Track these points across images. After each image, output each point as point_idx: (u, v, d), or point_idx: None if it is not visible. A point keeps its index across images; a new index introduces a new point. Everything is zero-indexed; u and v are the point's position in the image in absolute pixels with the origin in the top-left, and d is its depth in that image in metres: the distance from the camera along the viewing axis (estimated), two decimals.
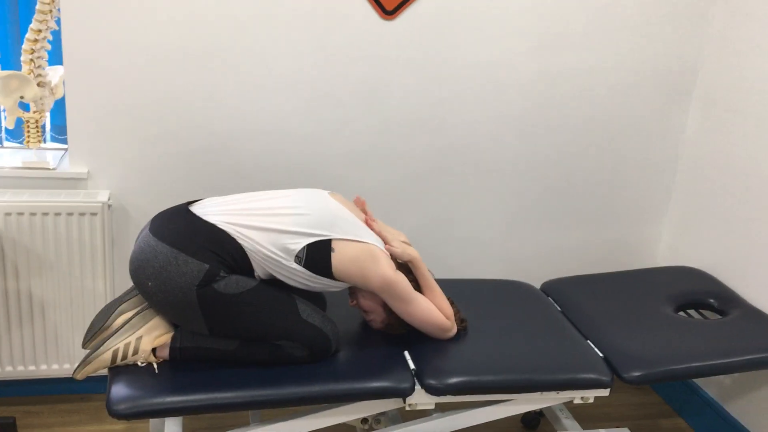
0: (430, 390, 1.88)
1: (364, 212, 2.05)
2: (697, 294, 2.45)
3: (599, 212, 2.86)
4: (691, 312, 2.47)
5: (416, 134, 2.59)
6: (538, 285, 2.90)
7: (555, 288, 2.49)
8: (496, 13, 2.49)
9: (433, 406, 1.95)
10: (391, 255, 1.94)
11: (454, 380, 1.89)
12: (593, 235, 2.89)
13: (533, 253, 2.87)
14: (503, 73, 2.58)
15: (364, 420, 2.12)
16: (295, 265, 1.82)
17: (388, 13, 2.42)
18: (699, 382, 2.72)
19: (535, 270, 2.89)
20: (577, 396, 2.02)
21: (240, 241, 1.79)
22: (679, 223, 2.85)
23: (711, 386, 2.66)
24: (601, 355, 2.08)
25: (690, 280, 2.54)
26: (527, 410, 2.08)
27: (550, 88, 2.63)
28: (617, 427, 2.65)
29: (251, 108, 2.44)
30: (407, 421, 2.06)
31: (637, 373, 1.99)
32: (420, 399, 1.91)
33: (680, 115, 2.78)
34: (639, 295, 2.41)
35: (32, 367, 2.45)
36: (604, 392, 2.01)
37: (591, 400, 2.04)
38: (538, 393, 1.97)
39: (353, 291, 2.03)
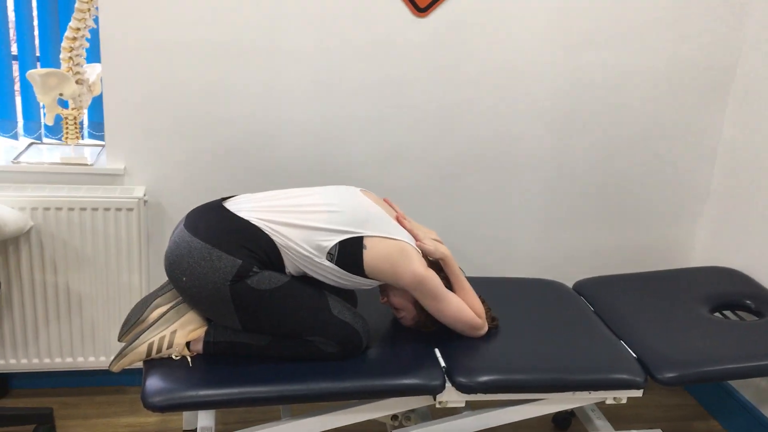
0: (461, 388, 1.88)
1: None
2: (733, 295, 2.41)
3: (633, 212, 2.83)
4: (727, 313, 2.43)
5: (448, 132, 2.59)
6: (570, 284, 2.88)
7: (588, 287, 2.46)
8: (529, 11, 2.48)
9: (463, 404, 1.95)
10: (422, 253, 1.94)
11: (485, 378, 1.88)
12: (627, 235, 2.86)
13: (566, 252, 2.84)
14: (536, 71, 2.56)
15: (394, 417, 2.12)
16: (327, 263, 1.83)
17: (421, 11, 2.41)
18: (735, 384, 2.68)
19: (567, 269, 2.87)
20: (610, 396, 2.00)
21: (273, 237, 1.81)
22: (715, 223, 2.80)
23: (747, 389, 2.62)
24: (634, 355, 2.06)
25: (726, 280, 2.50)
26: (559, 410, 2.07)
27: (583, 87, 2.60)
28: (650, 428, 2.62)
29: (284, 106, 2.46)
30: (437, 419, 2.06)
31: (670, 374, 1.97)
32: (450, 397, 1.91)
33: (717, 114, 2.74)
34: (674, 296, 2.38)
35: (69, 359, 2.49)
36: (637, 393, 1.99)
37: (624, 401, 2.02)
38: (570, 393, 1.95)
39: (384, 288, 2.03)
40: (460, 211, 2.71)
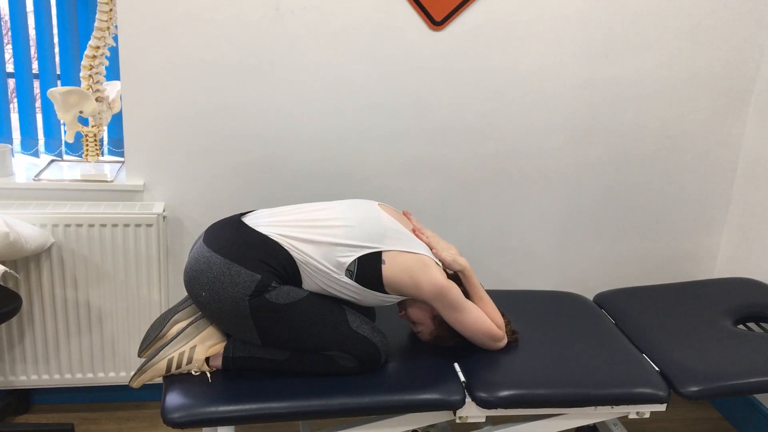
0: (481, 403, 1.86)
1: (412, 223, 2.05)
2: (757, 306, 2.38)
3: (654, 222, 2.80)
4: (752, 325, 2.39)
5: (466, 144, 2.58)
6: (590, 297, 2.86)
7: (609, 300, 2.44)
8: (545, 21, 2.47)
9: (483, 419, 1.93)
10: (441, 265, 1.94)
11: (505, 393, 1.86)
12: (648, 246, 2.83)
13: (586, 264, 2.82)
14: (553, 81, 2.55)
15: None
16: (346, 279, 1.82)
17: (437, 24, 2.42)
18: (760, 397, 2.64)
19: (587, 281, 2.85)
20: (633, 411, 1.98)
21: (291, 252, 1.81)
22: (737, 233, 2.77)
23: None
24: (657, 369, 2.03)
25: (750, 291, 2.47)
26: (580, 425, 2.04)
27: (601, 96, 2.59)
28: None
29: (302, 120, 2.47)
30: None
31: (694, 388, 1.94)
32: (470, 412, 1.89)
33: (738, 124, 2.71)
34: (696, 308, 2.35)
35: (90, 375, 2.51)
36: (661, 407, 1.96)
37: (647, 416, 1.99)
38: (592, 407, 1.93)
39: (402, 301, 2.02)
40: (478, 223, 2.70)
